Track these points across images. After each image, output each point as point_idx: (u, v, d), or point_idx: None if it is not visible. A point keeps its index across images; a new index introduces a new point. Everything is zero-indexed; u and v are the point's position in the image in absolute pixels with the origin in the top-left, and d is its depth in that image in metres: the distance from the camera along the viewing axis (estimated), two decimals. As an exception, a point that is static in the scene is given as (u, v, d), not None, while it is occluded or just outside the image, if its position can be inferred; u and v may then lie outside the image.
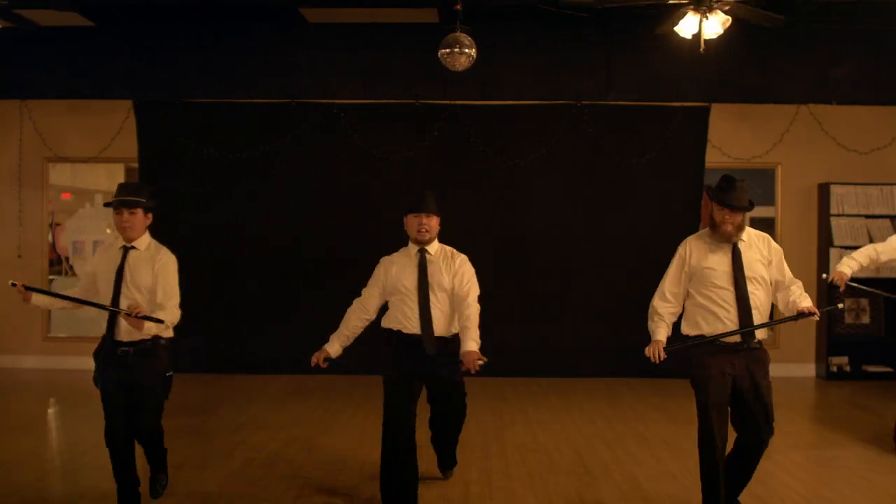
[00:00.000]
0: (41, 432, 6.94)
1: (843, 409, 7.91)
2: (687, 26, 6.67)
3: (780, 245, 4.86)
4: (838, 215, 9.14)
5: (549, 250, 9.26)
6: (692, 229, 9.26)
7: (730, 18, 6.57)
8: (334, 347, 5.11)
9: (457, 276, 5.04)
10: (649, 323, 4.94)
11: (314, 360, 5.05)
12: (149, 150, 9.34)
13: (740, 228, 4.68)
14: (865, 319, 9.22)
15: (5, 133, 9.53)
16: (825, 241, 9.18)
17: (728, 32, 6.74)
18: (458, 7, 7.46)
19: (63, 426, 7.26)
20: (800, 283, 4.78)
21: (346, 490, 5.38)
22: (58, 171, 9.81)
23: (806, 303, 4.61)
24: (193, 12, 8.68)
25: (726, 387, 4.66)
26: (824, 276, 5.38)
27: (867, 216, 9.18)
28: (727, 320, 4.62)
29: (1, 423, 7.11)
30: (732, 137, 9.33)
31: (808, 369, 9.39)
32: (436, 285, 4.99)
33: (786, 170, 9.40)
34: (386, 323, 5.09)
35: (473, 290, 5.03)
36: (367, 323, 5.20)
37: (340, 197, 9.26)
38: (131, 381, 4.61)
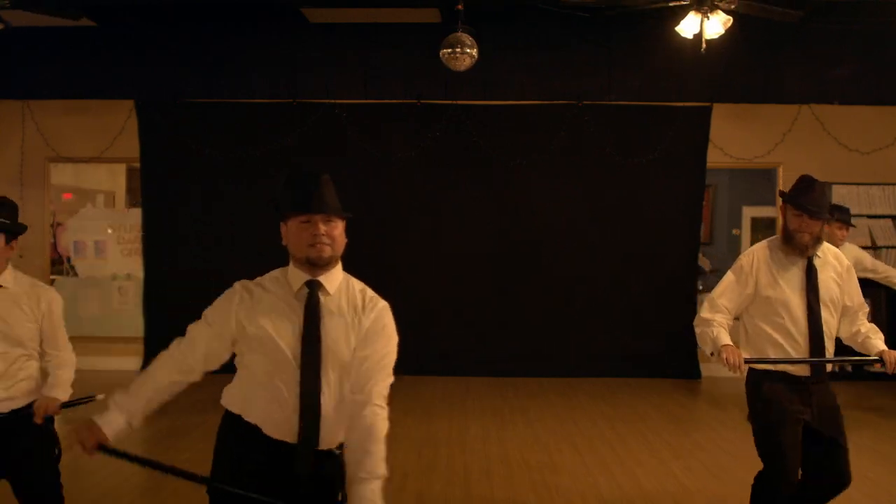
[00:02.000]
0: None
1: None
2: (688, 26, 6.67)
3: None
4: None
5: (550, 250, 9.26)
6: (694, 229, 9.32)
7: (731, 18, 6.57)
8: (117, 420, 2.82)
9: (368, 342, 2.82)
10: (703, 333, 4.07)
11: (81, 444, 2.80)
12: (150, 150, 9.35)
13: (818, 240, 3.98)
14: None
15: (7, 133, 9.54)
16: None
17: (729, 32, 6.74)
18: (460, 7, 7.46)
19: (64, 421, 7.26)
20: (866, 310, 4.20)
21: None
22: (59, 170, 9.82)
23: (881, 343, 3.99)
24: (195, 12, 8.68)
25: (797, 428, 3.97)
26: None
27: (869, 216, 9.18)
28: (794, 352, 3.97)
29: None
30: (734, 137, 9.33)
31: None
32: (333, 354, 2.78)
33: (787, 170, 9.38)
34: (228, 402, 2.94)
35: (385, 379, 2.86)
36: (181, 388, 2.97)
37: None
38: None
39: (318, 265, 2.83)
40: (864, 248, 8.92)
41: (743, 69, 9.05)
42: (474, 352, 9.15)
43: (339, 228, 2.91)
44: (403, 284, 9.18)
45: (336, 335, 2.80)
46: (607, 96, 9.16)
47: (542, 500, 5.19)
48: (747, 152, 9.35)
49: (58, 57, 9.22)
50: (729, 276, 4.10)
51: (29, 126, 9.52)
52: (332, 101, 9.25)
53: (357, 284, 2.99)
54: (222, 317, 2.87)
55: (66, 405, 3.66)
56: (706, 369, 9.22)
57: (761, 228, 10.67)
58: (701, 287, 9.35)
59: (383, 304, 2.93)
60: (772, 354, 3.99)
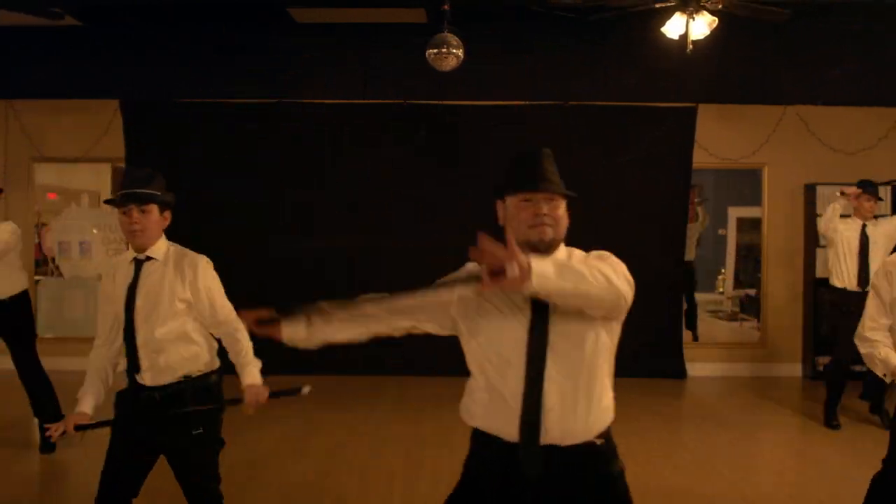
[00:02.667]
0: (30, 433, 6.90)
1: (858, 408, 7.93)
2: (674, 27, 6.70)
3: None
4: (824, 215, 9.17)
5: (537, 250, 9.27)
6: (679, 230, 9.35)
7: (716, 19, 6.60)
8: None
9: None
10: (870, 355, 3.88)
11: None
12: (135, 150, 9.29)
13: None
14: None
15: (-9, 133, 9.49)
16: (811, 241, 9.21)
17: (715, 33, 6.78)
18: (446, 7, 7.46)
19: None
20: None
21: (335, 489, 5.38)
22: (44, 170, 9.76)
23: None
24: (181, 12, 8.65)
25: None
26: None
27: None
28: None
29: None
30: (719, 138, 9.37)
31: (795, 369, 9.42)
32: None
33: (772, 170, 9.43)
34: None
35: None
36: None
37: (329, 197, 9.24)
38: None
39: (539, 249, 2.64)
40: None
41: (728, 70, 9.08)
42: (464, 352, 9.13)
43: (561, 208, 2.73)
44: (392, 284, 9.15)
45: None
46: (594, 97, 9.17)
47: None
48: (733, 153, 9.39)
49: (42, 56, 9.17)
50: (870, 294, 3.96)
51: (13, 126, 9.46)
52: (319, 100, 9.22)
53: (578, 253, 2.78)
54: (447, 290, 2.75)
55: (276, 394, 3.80)
56: (692, 368, 9.26)
57: (747, 229, 10.72)
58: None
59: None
60: None
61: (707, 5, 6.51)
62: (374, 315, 2.85)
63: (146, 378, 3.54)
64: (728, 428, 7.05)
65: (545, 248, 2.64)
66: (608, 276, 2.50)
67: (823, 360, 9.18)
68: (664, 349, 9.24)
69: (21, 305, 6.29)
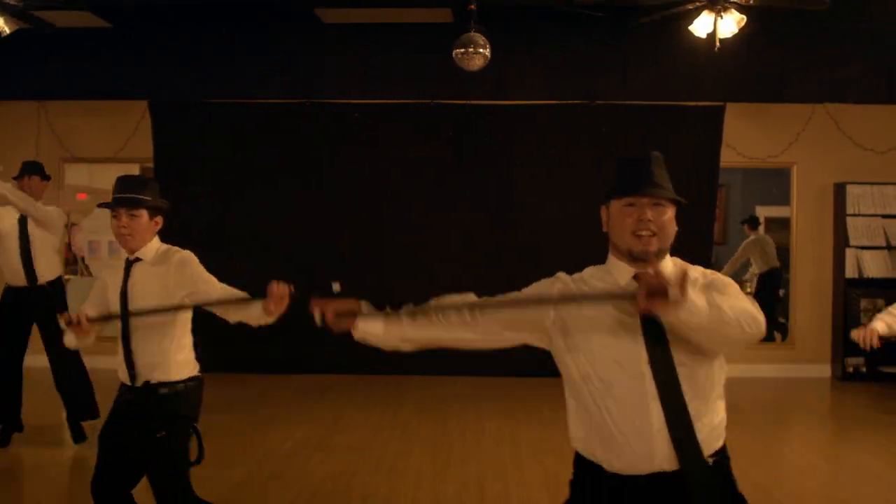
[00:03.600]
0: (51, 421, 6.97)
1: (860, 410, 7.88)
2: (701, 25, 6.66)
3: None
4: (854, 215, 9.07)
5: (562, 250, 9.10)
6: (707, 229, 9.29)
7: (744, 17, 6.55)
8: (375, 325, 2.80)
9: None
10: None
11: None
12: (164, 151, 9.37)
13: None
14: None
15: (22, 134, 9.57)
16: (841, 241, 9.12)
17: (743, 31, 6.72)
18: (473, 7, 7.46)
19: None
20: None
21: (361, 489, 5.39)
22: (74, 171, 9.87)
23: None
24: (209, 13, 8.70)
25: None
26: (852, 334, 4.43)
27: (884, 216, 9.11)
28: None
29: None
30: (747, 137, 9.29)
31: (824, 370, 9.32)
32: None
33: (801, 169, 9.35)
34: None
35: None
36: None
37: (355, 197, 9.26)
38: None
39: (643, 259, 2.43)
40: (879, 248, 8.92)
41: (756, 68, 9.01)
42: (488, 352, 9.12)
43: (668, 215, 2.51)
44: (417, 283, 9.18)
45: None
46: (621, 96, 9.13)
47: (556, 501, 5.18)
48: (761, 152, 9.31)
49: (72, 58, 9.25)
50: None
51: (44, 127, 9.57)
52: (346, 100, 9.26)
53: (694, 272, 2.49)
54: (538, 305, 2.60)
55: None
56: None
57: (776, 229, 10.62)
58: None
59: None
60: None
61: (739, 1, 6.45)
62: (461, 323, 2.67)
63: (134, 377, 3.62)
64: (754, 428, 6.99)
65: (648, 259, 2.43)
66: (750, 320, 2.29)
67: (854, 360, 9.09)
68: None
69: (58, 290, 6.40)
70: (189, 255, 3.83)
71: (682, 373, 2.37)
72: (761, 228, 11.13)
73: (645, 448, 2.33)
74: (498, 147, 9.16)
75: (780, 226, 10.29)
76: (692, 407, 2.38)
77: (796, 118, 9.26)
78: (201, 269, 3.81)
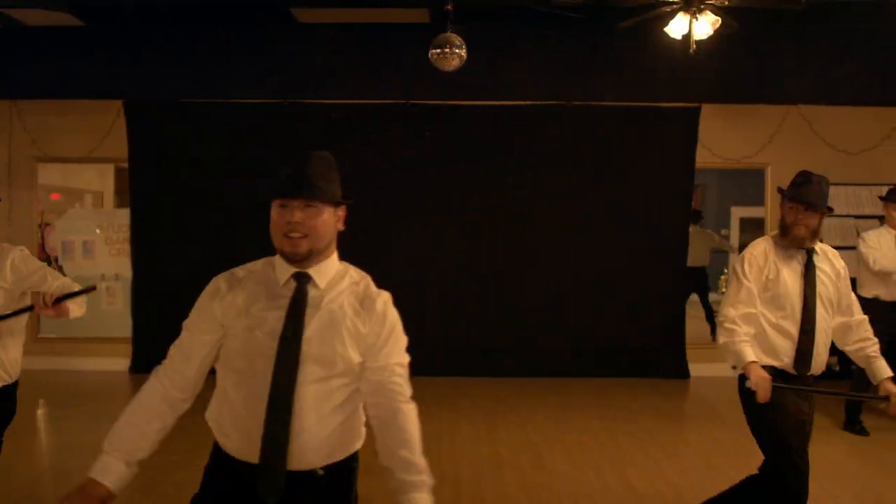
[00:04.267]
0: (32, 433, 6.92)
1: (831, 408, 7.93)
2: (677, 27, 6.69)
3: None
4: (828, 216, 9.14)
5: (541, 250, 9.26)
6: (682, 230, 9.35)
7: (719, 19, 6.59)
8: (115, 466, 2.48)
9: (376, 349, 2.61)
10: (727, 345, 3.97)
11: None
12: (139, 151, 9.30)
13: (815, 234, 4.06)
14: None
15: (-5, 133, 9.49)
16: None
17: (718, 33, 6.76)
18: (449, 7, 7.46)
19: (53, 427, 7.23)
20: (862, 318, 4.12)
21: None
22: (47, 170, 9.77)
23: (886, 371, 3.93)
24: (184, 12, 8.65)
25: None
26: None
27: (856, 216, 9.22)
28: (786, 345, 4.02)
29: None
30: (723, 138, 9.35)
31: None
32: (320, 358, 2.49)
33: (775, 170, 9.41)
34: (212, 417, 2.70)
35: (404, 375, 2.81)
36: (180, 411, 2.66)
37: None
38: None
39: (293, 260, 2.51)
40: (853, 248, 9.00)
41: (732, 70, 9.05)
42: (466, 352, 9.15)
43: (323, 215, 2.50)
44: (393, 285, 9.15)
45: (325, 336, 2.46)
46: (598, 97, 9.16)
47: (533, 501, 5.19)
48: (736, 153, 9.37)
49: (45, 57, 9.16)
50: (739, 278, 4.03)
51: (17, 126, 9.46)
52: (323, 101, 9.22)
53: (355, 275, 2.67)
54: (208, 316, 2.56)
55: (59, 299, 3.88)
56: (695, 369, 9.25)
57: (750, 229, 10.71)
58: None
59: (384, 299, 2.65)
60: (761, 348, 4.02)
61: (714, 2, 6.49)
62: (162, 389, 2.67)
63: None
64: (730, 427, 7.02)
65: (299, 260, 2.52)
66: None
67: (829, 360, 9.13)
68: (668, 349, 9.25)
69: None
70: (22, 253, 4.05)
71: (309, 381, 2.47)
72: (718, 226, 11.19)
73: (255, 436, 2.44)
74: (476, 148, 9.17)
75: (755, 226, 10.38)
76: (321, 397, 2.49)
77: (771, 120, 9.34)
78: (36, 263, 4.10)
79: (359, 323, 2.54)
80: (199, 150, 9.20)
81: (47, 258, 9.65)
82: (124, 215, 9.48)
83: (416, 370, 9.41)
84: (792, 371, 4.03)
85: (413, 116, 9.16)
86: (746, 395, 3.93)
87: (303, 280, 2.53)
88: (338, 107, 9.20)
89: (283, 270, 2.55)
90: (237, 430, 2.51)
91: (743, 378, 3.96)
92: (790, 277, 4.00)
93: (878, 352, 4.01)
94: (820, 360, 4.07)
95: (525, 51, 9.12)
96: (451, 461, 5.94)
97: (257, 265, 2.63)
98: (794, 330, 3.99)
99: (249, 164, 9.17)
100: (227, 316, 2.52)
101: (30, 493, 5.30)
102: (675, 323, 9.33)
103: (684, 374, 9.24)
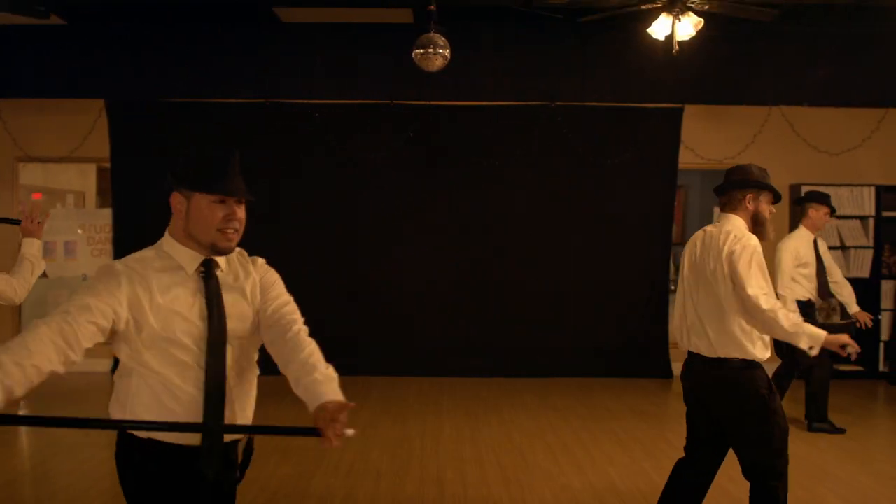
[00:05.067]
0: (12, 435, 6.87)
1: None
2: (660, 28, 6.71)
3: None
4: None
5: (524, 250, 9.28)
6: (666, 229, 9.38)
7: (702, 20, 6.62)
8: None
9: (267, 296, 2.74)
10: (797, 325, 3.82)
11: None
12: (121, 150, 9.27)
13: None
14: (836, 319, 9.28)
15: (-25, 133, 9.43)
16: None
17: (701, 34, 6.80)
18: (432, 7, 7.46)
19: (34, 429, 7.18)
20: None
21: (319, 492, 5.36)
22: (29, 170, 9.71)
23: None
24: (166, 11, 8.63)
25: None
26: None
27: (838, 217, 9.23)
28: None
29: (-30, 426, 7.02)
30: (705, 138, 9.40)
31: (772, 368, 9.43)
32: (234, 331, 2.62)
33: (758, 171, 9.46)
34: (118, 411, 2.58)
35: (297, 313, 2.77)
36: (60, 368, 2.37)
37: (315, 198, 9.22)
38: None
39: (223, 253, 2.63)
40: (833, 248, 9.05)
41: (714, 71, 9.12)
42: (448, 353, 9.16)
43: (244, 212, 2.69)
44: (377, 286, 9.21)
45: (236, 311, 2.62)
46: (581, 97, 9.19)
47: (515, 500, 5.20)
48: (718, 153, 9.42)
49: (27, 56, 9.12)
50: (762, 267, 3.98)
51: (-3, 125, 9.42)
52: (305, 100, 9.21)
53: (236, 250, 2.77)
54: (110, 295, 2.46)
55: None
56: (678, 369, 9.25)
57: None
58: (673, 288, 9.38)
59: (261, 260, 2.84)
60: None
61: (694, 6, 6.53)
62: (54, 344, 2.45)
63: None
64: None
65: (227, 253, 2.66)
66: None
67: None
68: (651, 349, 9.28)
69: None
70: None
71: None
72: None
73: (187, 416, 2.53)
74: (459, 147, 9.18)
75: (737, 226, 10.38)
76: (237, 369, 2.64)
77: (753, 121, 9.39)
78: None
79: (248, 284, 2.71)
80: (182, 150, 9.11)
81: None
82: (106, 215, 9.45)
83: (399, 371, 9.44)
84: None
85: (396, 117, 9.16)
86: (768, 392, 3.91)
87: (210, 265, 2.63)
88: (321, 107, 9.20)
89: (191, 259, 2.61)
90: (169, 415, 2.51)
91: (749, 378, 3.90)
92: None
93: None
94: None
95: (509, 51, 9.15)
96: (434, 461, 5.94)
97: (148, 254, 2.64)
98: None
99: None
100: (133, 303, 2.48)
101: (10, 494, 5.27)
102: (658, 323, 9.36)
103: (667, 373, 9.27)
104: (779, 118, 9.40)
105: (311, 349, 2.60)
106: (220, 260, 2.67)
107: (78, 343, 2.37)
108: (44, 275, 9.52)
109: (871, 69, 9.14)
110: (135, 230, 9.29)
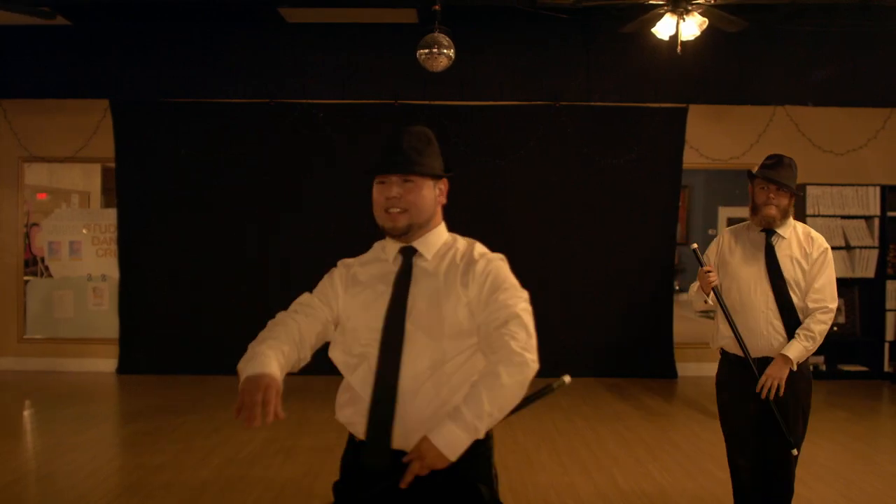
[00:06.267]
0: (16, 434, 6.89)
1: (819, 409, 7.96)
2: (664, 28, 6.71)
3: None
4: (814, 216, 9.19)
5: (528, 251, 9.26)
6: (670, 230, 9.37)
7: (706, 20, 6.63)
8: (275, 365, 2.44)
9: (484, 305, 2.56)
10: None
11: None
12: (126, 150, 9.28)
13: (786, 214, 4.11)
14: (841, 319, 9.29)
15: (-20, 133, 9.45)
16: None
17: (706, 34, 6.79)
18: (437, 7, 7.46)
19: (39, 428, 7.20)
20: (825, 307, 4.02)
21: (325, 491, 5.36)
22: (33, 170, 9.73)
23: (792, 349, 3.98)
24: (171, 12, 8.64)
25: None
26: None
27: (843, 217, 9.25)
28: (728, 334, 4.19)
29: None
30: (710, 138, 9.39)
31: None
32: (427, 326, 2.46)
33: (762, 171, 9.45)
34: (341, 412, 2.66)
35: (520, 328, 2.75)
36: (296, 359, 2.56)
37: (320, 198, 9.23)
38: None
39: (394, 235, 2.56)
40: (838, 248, 9.03)
41: (719, 71, 9.11)
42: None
43: (422, 190, 2.57)
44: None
45: (432, 304, 2.44)
46: (585, 97, 9.18)
47: (520, 501, 5.20)
48: (723, 153, 9.40)
49: (32, 56, 9.14)
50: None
51: (2, 126, 9.42)
52: (310, 100, 9.22)
53: (462, 242, 2.70)
54: (329, 294, 2.63)
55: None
56: (682, 369, 9.27)
57: (737, 229, 10.73)
58: (678, 287, 9.40)
59: (487, 258, 2.61)
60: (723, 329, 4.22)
61: (695, 7, 6.53)
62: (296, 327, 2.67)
63: None
64: (718, 429, 7.04)
65: (398, 235, 2.58)
66: None
67: (813, 359, 9.14)
68: (655, 349, 9.27)
69: None
70: None
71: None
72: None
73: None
74: (463, 148, 9.17)
75: (741, 226, 10.38)
76: (426, 368, 2.49)
77: (757, 120, 9.38)
78: None
79: (464, 287, 2.51)
80: (186, 149, 9.18)
81: (34, 258, 9.61)
82: (111, 215, 9.45)
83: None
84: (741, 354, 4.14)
85: (401, 117, 9.15)
86: (806, 386, 4.14)
87: (409, 253, 2.55)
88: (325, 107, 9.21)
89: (391, 247, 2.60)
90: (359, 413, 2.49)
91: (796, 373, 4.02)
92: (745, 261, 4.16)
93: (803, 338, 3.98)
94: (762, 342, 4.09)
95: (513, 51, 9.14)
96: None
97: (374, 249, 2.72)
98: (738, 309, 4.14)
99: (236, 164, 9.18)
100: (347, 300, 2.58)
101: (16, 493, 5.28)
102: (663, 322, 9.35)
103: (672, 373, 9.26)
104: (783, 118, 9.39)
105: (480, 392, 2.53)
106: (425, 249, 2.58)
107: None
108: (49, 274, 9.62)
109: (877, 69, 9.12)
110: (140, 230, 9.32)
